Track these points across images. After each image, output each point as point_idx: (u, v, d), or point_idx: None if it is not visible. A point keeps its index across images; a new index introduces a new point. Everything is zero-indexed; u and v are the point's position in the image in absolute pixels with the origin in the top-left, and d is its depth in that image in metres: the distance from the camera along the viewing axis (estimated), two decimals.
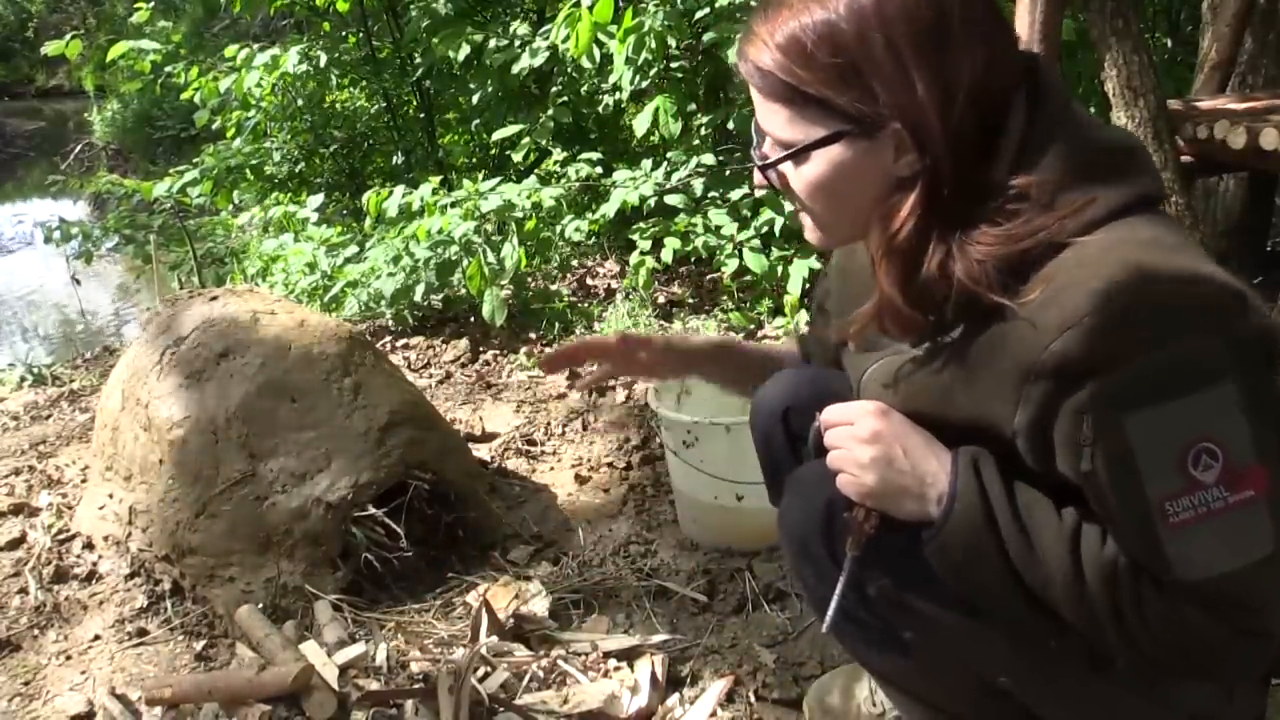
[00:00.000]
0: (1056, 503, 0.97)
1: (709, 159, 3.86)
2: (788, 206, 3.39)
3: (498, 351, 3.54)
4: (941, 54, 0.93)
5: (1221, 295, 0.87)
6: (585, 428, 2.84)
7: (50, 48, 4.83)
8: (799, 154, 1.01)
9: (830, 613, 1.10)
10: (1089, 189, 0.93)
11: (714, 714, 1.61)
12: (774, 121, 1.02)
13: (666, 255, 3.63)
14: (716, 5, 3.76)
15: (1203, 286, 0.87)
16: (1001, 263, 0.93)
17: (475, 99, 4.78)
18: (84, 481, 2.55)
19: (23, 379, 3.81)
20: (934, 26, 0.93)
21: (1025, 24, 2.93)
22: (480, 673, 1.68)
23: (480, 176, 4.17)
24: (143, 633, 1.98)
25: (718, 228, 3.63)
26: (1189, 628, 0.91)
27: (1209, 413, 0.86)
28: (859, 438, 1.04)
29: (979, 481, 0.98)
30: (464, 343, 3.59)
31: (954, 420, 1.02)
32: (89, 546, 2.26)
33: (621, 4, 3.80)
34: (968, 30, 0.94)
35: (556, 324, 3.72)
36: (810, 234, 1.12)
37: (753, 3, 3.69)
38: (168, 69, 5.13)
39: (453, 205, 3.73)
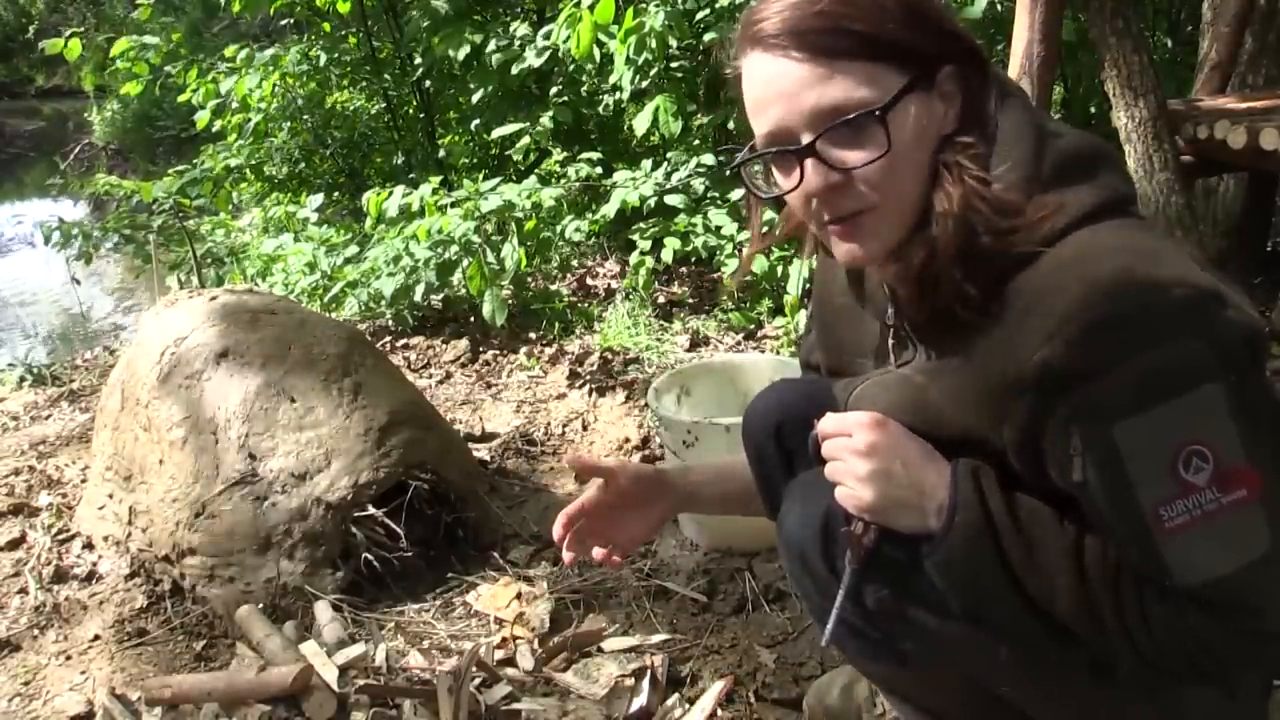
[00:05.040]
0: (1055, 511, 0.96)
1: (709, 159, 3.86)
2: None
3: (498, 351, 3.54)
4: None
5: (1198, 297, 0.86)
6: (585, 428, 2.84)
7: (49, 46, 4.82)
8: (889, 109, 0.89)
9: (830, 625, 1.09)
10: (1058, 194, 0.92)
11: (714, 714, 1.60)
12: (838, 87, 0.91)
13: (666, 255, 3.63)
14: (716, 5, 3.76)
15: (1178, 289, 0.86)
16: (973, 270, 0.92)
17: (475, 99, 4.78)
18: (84, 481, 2.55)
19: (23, 379, 3.81)
20: None
21: (1025, 24, 2.93)
22: (479, 679, 1.68)
23: (480, 176, 4.17)
24: (143, 633, 1.98)
25: (718, 228, 3.64)
26: (1193, 632, 0.91)
27: (1195, 415, 0.85)
28: (856, 450, 1.03)
29: (979, 493, 0.97)
30: (464, 343, 3.59)
31: (944, 437, 1.01)
32: (89, 546, 2.26)
33: (622, 4, 3.80)
34: None
35: (556, 324, 3.72)
36: (855, 244, 0.98)
37: (753, 2, 3.69)
38: (167, 70, 5.13)
39: (453, 205, 3.73)
